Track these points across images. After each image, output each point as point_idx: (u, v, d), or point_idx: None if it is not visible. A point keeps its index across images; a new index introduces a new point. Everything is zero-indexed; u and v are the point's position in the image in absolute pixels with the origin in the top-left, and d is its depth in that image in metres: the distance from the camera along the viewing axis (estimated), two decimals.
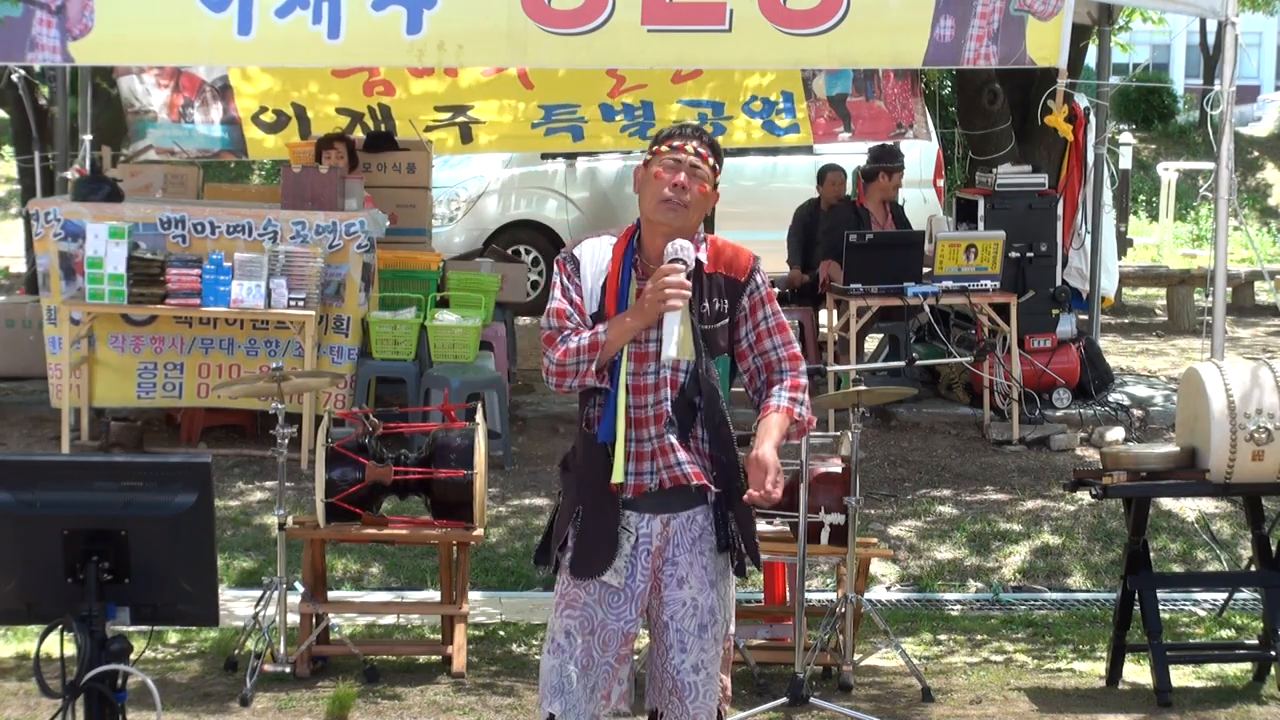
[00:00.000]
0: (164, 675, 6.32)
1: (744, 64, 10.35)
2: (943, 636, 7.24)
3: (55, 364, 9.36)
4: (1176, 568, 8.26)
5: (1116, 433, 10.16)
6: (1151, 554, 6.71)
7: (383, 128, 11.54)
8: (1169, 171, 21.15)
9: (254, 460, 9.33)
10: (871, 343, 11.64)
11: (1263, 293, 16.37)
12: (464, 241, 14.15)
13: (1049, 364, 10.51)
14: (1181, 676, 6.52)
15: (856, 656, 6.48)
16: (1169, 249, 20.20)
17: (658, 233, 4.32)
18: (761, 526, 6.00)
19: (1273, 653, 6.39)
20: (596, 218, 14.30)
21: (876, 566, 7.88)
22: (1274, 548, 6.57)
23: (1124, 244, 17.66)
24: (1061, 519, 8.80)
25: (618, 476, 4.26)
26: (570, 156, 14.33)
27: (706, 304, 4.31)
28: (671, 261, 4.23)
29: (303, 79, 11.53)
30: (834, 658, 6.49)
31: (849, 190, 11.83)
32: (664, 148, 4.34)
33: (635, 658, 4.52)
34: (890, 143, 11.54)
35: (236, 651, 6.43)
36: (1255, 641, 6.73)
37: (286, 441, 6.34)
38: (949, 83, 18.78)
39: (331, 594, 7.01)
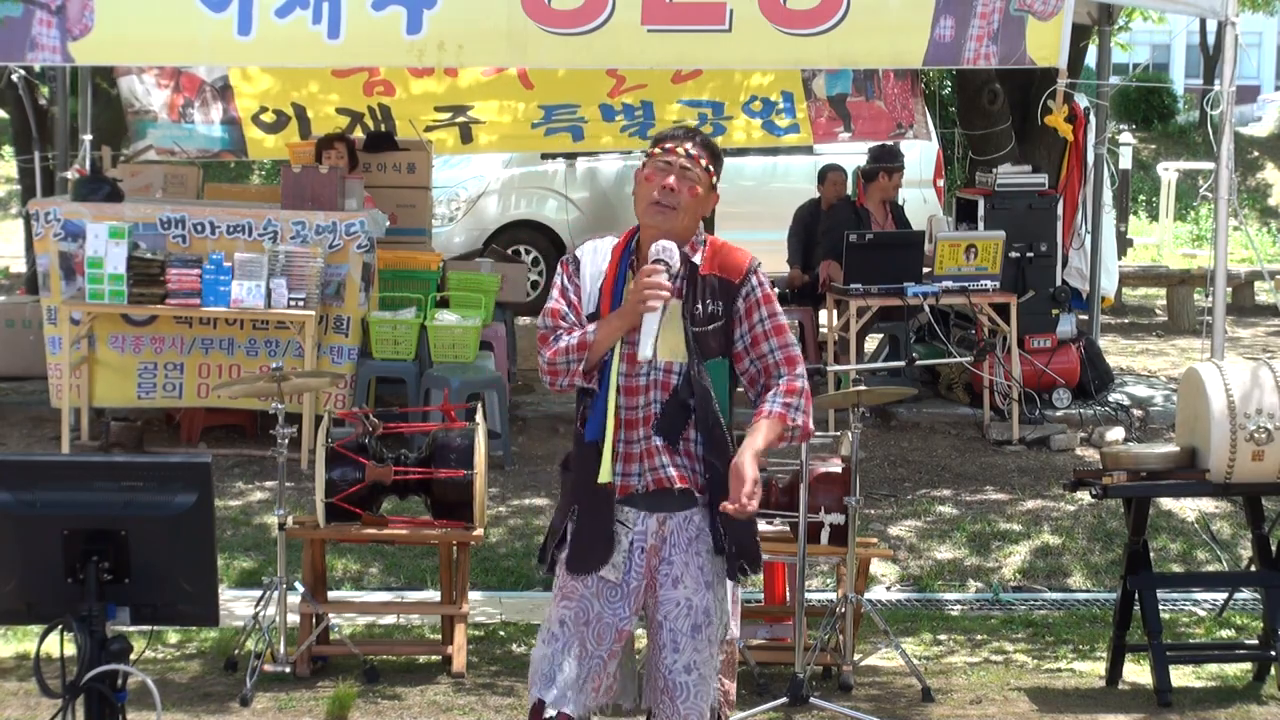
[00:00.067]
0: (164, 675, 6.32)
1: (744, 64, 10.35)
2: (943, 636, 7.24)
3: (55, 364, 9.36)
4: (1176, 568, 8.26)
5: (1116, 433, 10.16)
6: (1151, 554, 6.72)
7: (383, 128, 11.54)
8: (1169, 171, 21.15)
9: (254, 460, 9.33)
10: (871, 343, 11.64)
11: (1263, 293, 16.37)
12: (464, 241, 14.15)
13: (1049, 364, 10.51)
14: (1181, 676, 6.52)
15: (856, 656, 6.48)
16: (1169, 249, 20.20)
17: (651, 235, 4.33)
18: (761, 526, 6.00)
19: (1273, 653, 6.39)
20: (596, 218, 14.31)
21: (876, 566, 7.88)
22: (1274, 548, 6.57)
23: (1124, 244, 17.66)
24: (1061, 519, 8.81)
25: (604, 476, 4.27)
26: (570, 156, 14.33)
27: (699, 306, 4.30)
28: (654, 262, 4.25)
29: (303, 79, 11.53)
30: (834, 658, 6.49)
31: (849, 190, 11.83)
32: (657, 150, 4.36)
33: (637, 657, 4.53)
34: (890, 143, 11.53)
35: (236, 651, 6.43)
36: (1255, 641, 6.73)
37: (286, 441, 6.34)
38: (949, 83, 18.78)
39: (331, 594, 7.01)
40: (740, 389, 4.41)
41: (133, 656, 4.06)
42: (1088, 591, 8.09)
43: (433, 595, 7.33)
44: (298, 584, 6.43)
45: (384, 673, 6.41)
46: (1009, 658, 6.95)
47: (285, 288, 9.06)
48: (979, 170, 11.47)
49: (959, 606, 7.83)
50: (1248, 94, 29.20)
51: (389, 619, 7.20)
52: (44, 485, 3.97)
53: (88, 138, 10.96)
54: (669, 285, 4.22)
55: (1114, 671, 6.53)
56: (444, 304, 10.00)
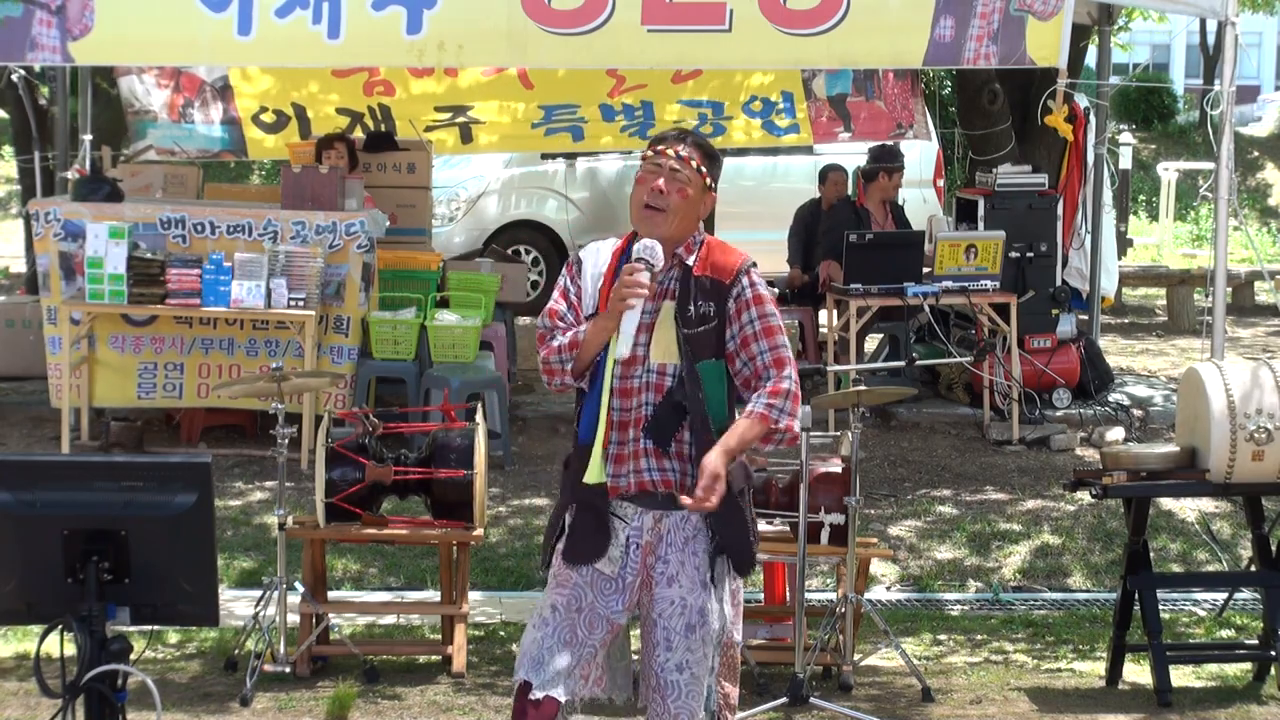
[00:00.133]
0: (164, 675, 6.32)
1: (744, 64, 10.35)
2: (943, 636, 7.24)
3: (55, 364, 9.36)
4: (1176, 568, 8.26)
5: (1116, 433, 10.16)
6: (1151, 554, 6.71)
7: (383, 128, 11.54)
8: (1169, 171, 21.15)
9: (254, 460, 9.33)
10: (871, 343, 11.64)
11: (1263, 293, 16.37)
12: (464, 241, 14.16)
13: (1049, 364, 10.51)
14: (1181, 676, 6.52)
15: (856, 656, 6.48)
16: (1169, 249, 20.20)
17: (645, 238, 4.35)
18: (761, 526, 6.01)
19: (1273, 653, 6.38)
20: (596, 218, 14.32)
21: (876, 566, 7.87)
22: (1274, 548, 6.56)
23: (1124, 244, 17.66)
24: (1061, 519, 8.80)
25: (591, 477, 4.29)
26: (570, 156, 14.33)
27: (692, 307, 4.31)
28: (636, 260, 4.26)
29: (303, 79, 11.53)
30: (834, 658, 6.49)
31: (849, 190, 11.83)
32: (650, 153, 4.37)
33: (635, 657, 4.53)
34: (890, 143, 11.54)
35: (236, 651, 6.43)
36: (1255, 641, 6.73)
37: (286, 441, 6.34)
38: (949, 83, 18.78)
39: (331, 594, 7.01)
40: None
41: (133, 656, 4.07)
42: (1088, 591, 8.09)
43: (433, 595, 7.33)
44: (298, 584, 6.43)
45: (384, 673, 6.40)
46: (1009, 658, 6.95)
47: (285, 288, 9.06)
48: (979, 170, 11.47)
49: (959, 606, 7.83)
50: (1248, 94, 29.20)
51: (389, 619, 7.20)
52: (44, 485, 3.97)
53: (88, 138, 10.96)
54: (648, 284, 4.23)
55: (1114, 671, 6.53)
56: (444, 304, 10.00)
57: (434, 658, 6.62)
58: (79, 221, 9.20)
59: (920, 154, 14.14)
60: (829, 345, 10.35)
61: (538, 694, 4.27)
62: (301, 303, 9.07)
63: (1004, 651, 7.04)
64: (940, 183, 14.87)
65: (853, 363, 9.68)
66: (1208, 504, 8.81)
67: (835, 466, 6.42)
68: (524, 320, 12.15)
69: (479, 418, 6.48)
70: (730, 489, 4.32)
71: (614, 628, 4.37)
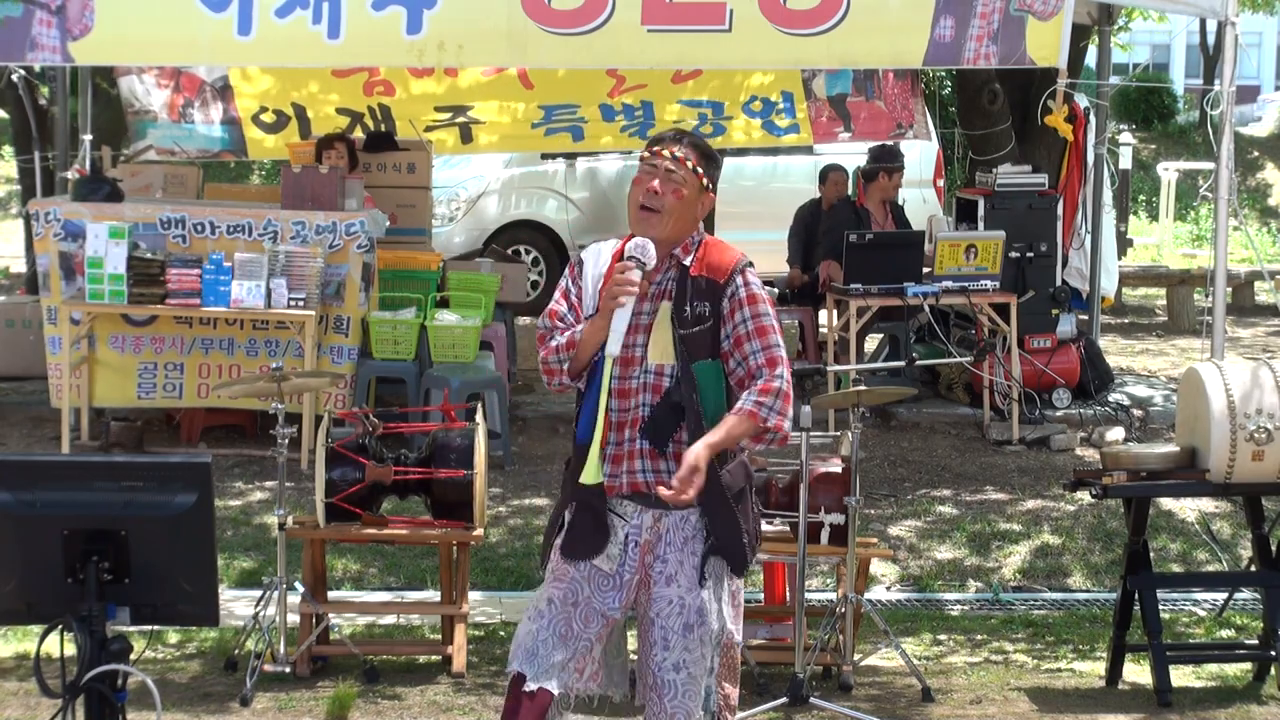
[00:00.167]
0: (164, 675, 6.32)
1: (744, 64, 10.34)
2: (943, 636, 7.24)
3: (55, 364, 9.36)
4: (1176, 568, 8.26)
5: (1116, 433, 10.16)
6: (1151, 554, 6.71)
7: (383, 128, 11.54)
8: (1169, 171, 21.15)
9: (254, 460, 9.33)
10: (871, 343, 11.64)
11: (1263, 293, 16.37)
12: (464, 241, 14.16)
13: (1049, 364, 10.51)
14: (1181, 676, 6.52)
15: (856, 656, 6.48)
16: (1169, 249, 20.20)
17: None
18: (762, 526, 6.00)
19: (1273, 653, 6.38)
20: (596, 218, 14.32)
21: (876, 566, 7.87)
22: (1274, 548, 6.56)
23: (1124, 244, 17.66)
24: (1061, 519, 8.80)
25: (587, 477, 4.29)
26: (570, 156, 14.33)
27: (688, 308, 4.32)
28: (627, 259, 4.28)
29: (303, 79, 11.53)
30: (834, 658, 6.49)
31: (849, 190, 11.84)
32: (646, 154, 4.39)
33: (634, 656, 4.54)
34: (890, 143, 11.54)
35: (236, 651, 6.43)
36: (1255, 641, 6.73)
37: (286, 441, 6.34)
38: (949, 83, 18.78)
39: (331, 594, 7.01)
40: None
41: (133, 656, 4.07)
42: (1088, 591, 8.09)
43: (433, 595, 7.32)
44: (298, 584, 6.43)
45: (384, 673, 6.40)
46: (1009, 658, 6.94)
47: (285, 288, 9.06)
48: (979, 170, 11.47)
49: (959, 606, 7.83)
50: (1248, 94, 29.20)
51: (389, 619, 7.20)
52: (44, 485, 3.97)
53: (88, 138, 10.96)
54: (639, 281, 4.24)
55: (1114, 671, 6.53)
56: (444, 304, 10.00)
57: (434, 658, 6.62)
58: (79, 221, 9.20)
59: (920, 154, 14.14)
60: (829, 345, 10.35)
61: (531, 686, 4.28)
62: (301, 303, 9.07)
63: (1004, 651, 7.04)
64: (940, 183, 14.87)
65: (853, 363, 9.67)
66: (1208, 504, 8.81)
67: (835, 466, 6.42)
68: (524, 320, 12.15)
69: (479, 418, 6.48)
70: (729, 488, 4.33)
71: (609, 622, 4.38)
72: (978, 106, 11.58)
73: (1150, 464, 6.36)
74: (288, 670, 6.28)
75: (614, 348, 4.25)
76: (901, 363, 8.38)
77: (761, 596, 7.02)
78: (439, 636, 6.77)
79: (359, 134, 11.39)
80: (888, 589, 8.04)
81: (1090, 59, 14.41)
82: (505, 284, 10.87)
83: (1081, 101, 11.14)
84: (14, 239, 18.54)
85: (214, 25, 7.62)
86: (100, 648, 3.95)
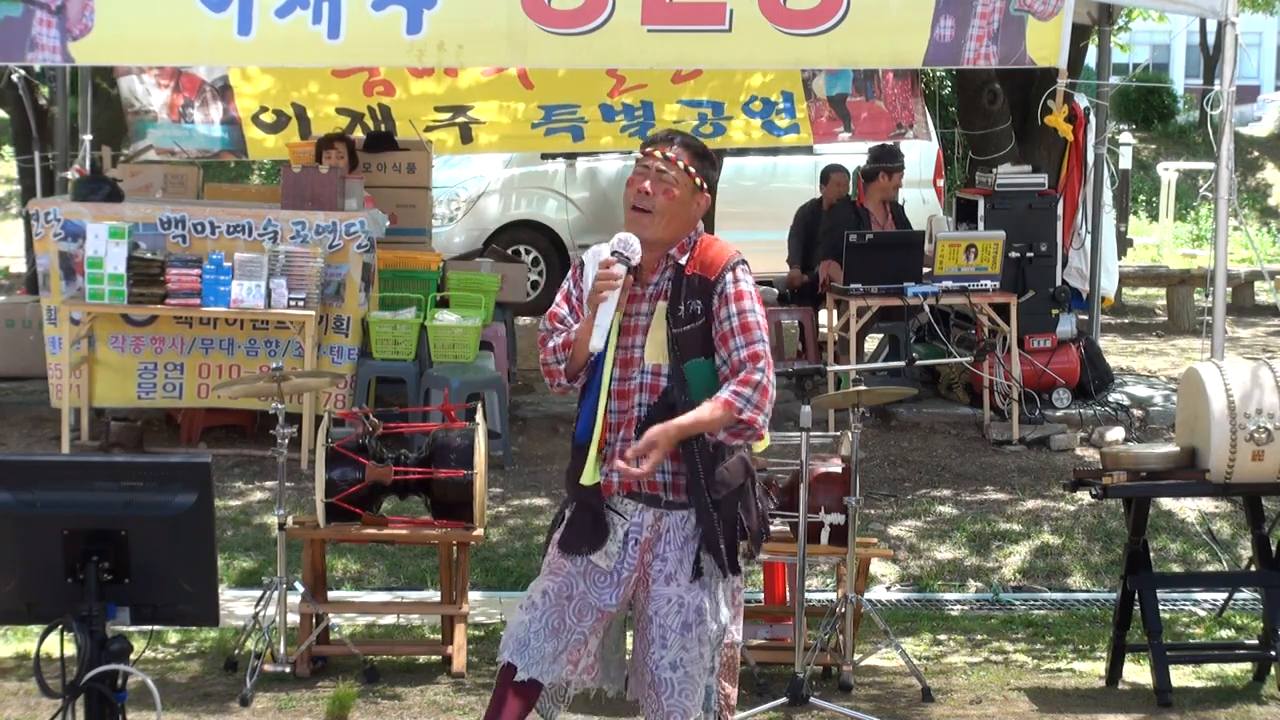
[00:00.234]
0: (164, 675, 6.32)
1: (744, 64, 10.34)
2: (943, 636, 7.24)
3: (55, 364, 9.36)
4: (1176, 568, 8.26)
5: (1116, 433, 10.16)
6: (1151, 554, 6.71)
7: (383, 128, 11.54)
8: (1169, 171, 21.15)
9: (254, 460, 9.33)
10: (871, 343, 11.64)
11: (1263, 293, 16.37)
12: (464, 241, 14.16)
13: (1049, 364, 10.51)
14: (1181, 676, 6.52)
15: (856, 656, 6.48)
16: (1169, 249, 20.20)
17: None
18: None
19: (1273, 653, 6.38)
20: (596, 218, 14.31)
21: (876, 566, 7.87)
22: (1274, 548, 6.56)
23: (1124, 244, 17.66)
24: (1061, 519, 8.80)
25: (585, 478, 4.30)
26: (570, 156, 14.33)
27: (682, 306, 4.33)
28: (611, 254, 4.30)
29: (303, 79, 11.53)
30: (834, 658, 6.49)
31: (849, 190, 11.84)
32: (639, 155, 4.40)
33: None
34: (890, 143, 11.53)
35: (236, 651, 6.43)
36: (1255, 641, 6.73)
37: (286, 441, 6.34)
38: (949, 83, 18.78)
39: (331, 594, 7.01)
40: None
41: (133, 656, 4.07)
42: (1088, 591, 8.09)
43: (433, 595, 7.32)
44: (298, 584, 6.43)
45: (384, 673, 6.40)
46: (1009, 658, 6.94)
47: (285, 288, 9.06)
48: (979, 170, 11.47)
49: (959, 606, 7.83)
50: (1248, 94, 29.21)
51: (389, 619, 7.20)
52: (44, 485, 3.97)
53: (88, 138, 10.96)
54: (621, 276, 4.26)
55: (1114, 671, 6.53)
56: (444, 304, 10.00)
57: (434, 658, 6.62)
58: (79, 221, 9.20)
59: (920, 154, 14.14)
60: (829, 345, 10.35)
61: (522, 676, 4.31)
62: (301, 303, 9.07)
63: (1004, 651, 7.04)
64: (940, 183, 14.87)
65: (853, 363, 9.68)
66: (1208, 504, 8.81)
67: (835, 466, 6.42)
68: (524, 320, 12.15)
69: (479, 418, 6.48)
70: (726, 484, 4.33)
71: (605, 616, 4.40)
72: (978, 106, 11.58)
73: (1150, 464, 6.36)
74: (288, 670, 6.28)
75: (598, 342, 4.26)
76: (901, 363, 8.37)
77: (761, 596, 7.02)
78: (439, 636, 6.77)
79: (359, 134, 11.39)
80: (888, 589, 8.04)
81: (1090, 59, 14.40)
82: (505, 284, 10.87)
83: (1081, 101, 11.14)
84: (14, 239, 18.54)
85: (214, 25, 7.62)
86: (100, 648, 3.95)
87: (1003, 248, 10.13)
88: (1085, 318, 11.32)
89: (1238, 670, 6.70)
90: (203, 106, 11.55)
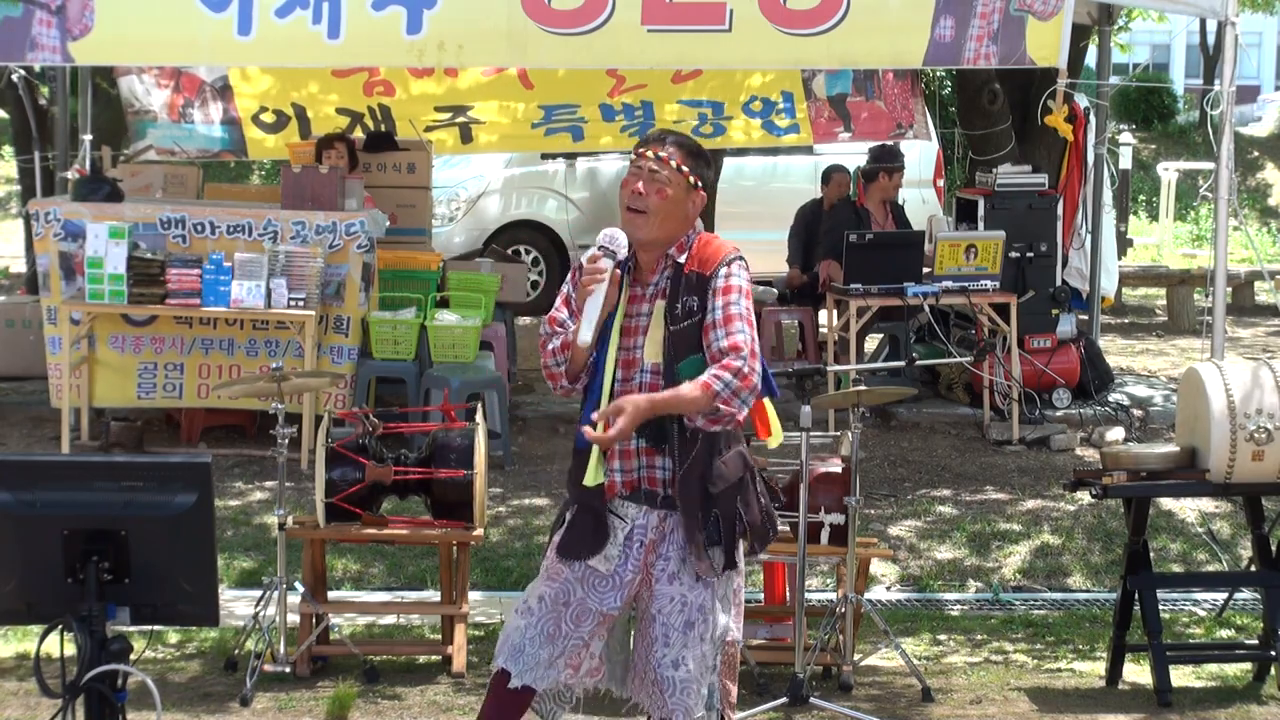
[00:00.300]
0: (164, 675, 6.32)
1: (744, 64, 10.35)
2: (943, 636, 7.24)
3: (55, 364, 9.36)
4: (1176, 568, 8.26)
5: (1116, 433, 10.16)
6: (1151, 554, 6.71)
7: (383, 128, 11.54)
8: (1169, 171, 21.15)
9: (254, 460, 9.33)
10: (871, 343, 11.64)
11: (1263, 293, 16.37)
12: (464, 241, 14.16)
13: (1049, 364, 10.51)
14: (1181, 676, 6.52)
15: (856, 656, 6.48)
16: (1169, 249, 20.20)
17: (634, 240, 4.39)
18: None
19: (1273, 653, 6.38)
20: (596, 218, 14.31)
21: (876, 566, 7.87)
22: (1274, 548, 6.56)
23: (1124, 244, 17.66)
24: (1061, 519, 8.80)
25: (589, 479, 4.30)
26: (570, 156, 14.33)
27: (679, 304, 4.33)
28: (597, 248, 4.32)
29: (303, 79, 11.53)
30: (834, 658, 6.49)
31: (850, 190, 11.84)
32: (632, 156, 4.40)
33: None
34: (890, 143, 11.54)
35: (236, 651, 6.43)
36: (1255, 641, 6.73)
37: (286, 441, 6.34)
38: (949, 83, 18.78)
39: (331, 594, 7.00)
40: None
41: (133, 656, 4.07)
42: (1088, 591, 8.09)
43: (433, 595, 7.32)
44: (298, 584, 6.43)
45: (384, 673, 6.40)
46: (1009, 658, 6.94)
47: (285, 288, 9.06)
48: (979, 170, 11.47)
49: (959, 606, 7.83)
50: (1248, 94, 29.21)
51: (389, 619, 7.20)
52: (44, 485, 3.97)
53: (88, 138, 10.96)
54: (607, 270, 4.27)
55: (1114, 671, 6.53)
56: (444, 304, 10.00)
57: (434, 658, 6.62)
58: (79, 221, 9.20)
59: (920, 154, 14.14)
60: (829, 345, 10.35)
61: (516, 683, 4.31)
62: (301, 303, 9.07)
63: (1004, 651, 7.04)
64: (940, 183, 14.88)
65: (853, 363, 9.68)
66: (1208, 504, 8.81)
67: (835, 466, 6.42)
68: (524, 320, 12.16)
69: (479, 418, 6.48)
70: (725, 479, 4.33)
71: (606, 618, 4.39)
72: (978, 106, 11.58)
73: (1150, 464, 6.36)
74: (288, 670, 6.28)
75: (585, 335, 4.27)
76: (901, 363, 8.37)
77: (761, 596, 7.02)
78: (439, 636, 6.77)
79: (359, 134, 11.39)
80: (888, 589, 8.04)
81: (1090, 59, 14.40)
82: (505, 284, 10.87)
83: (1081, 101, 11.14)
84: (14, 239, 18.54)
85: (214, 25, 7.62)
86: (100, 648, 3.95)
87: (1003, 248, 10.13)
88: (1085, 318, 11.32)
89: (1238, 670, 6.70)
90: (203, 106, 11.56)
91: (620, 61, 9.30)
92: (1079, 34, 10.88)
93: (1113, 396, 10.87)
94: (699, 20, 7.70)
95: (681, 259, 4.37)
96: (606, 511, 4.35)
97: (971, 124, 11.90)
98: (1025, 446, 9.98)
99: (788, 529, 6.36)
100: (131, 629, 4.14)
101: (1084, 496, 8.36)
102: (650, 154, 4.34)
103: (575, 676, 4.41)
